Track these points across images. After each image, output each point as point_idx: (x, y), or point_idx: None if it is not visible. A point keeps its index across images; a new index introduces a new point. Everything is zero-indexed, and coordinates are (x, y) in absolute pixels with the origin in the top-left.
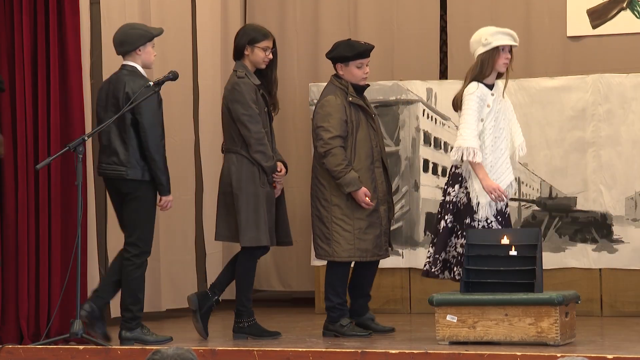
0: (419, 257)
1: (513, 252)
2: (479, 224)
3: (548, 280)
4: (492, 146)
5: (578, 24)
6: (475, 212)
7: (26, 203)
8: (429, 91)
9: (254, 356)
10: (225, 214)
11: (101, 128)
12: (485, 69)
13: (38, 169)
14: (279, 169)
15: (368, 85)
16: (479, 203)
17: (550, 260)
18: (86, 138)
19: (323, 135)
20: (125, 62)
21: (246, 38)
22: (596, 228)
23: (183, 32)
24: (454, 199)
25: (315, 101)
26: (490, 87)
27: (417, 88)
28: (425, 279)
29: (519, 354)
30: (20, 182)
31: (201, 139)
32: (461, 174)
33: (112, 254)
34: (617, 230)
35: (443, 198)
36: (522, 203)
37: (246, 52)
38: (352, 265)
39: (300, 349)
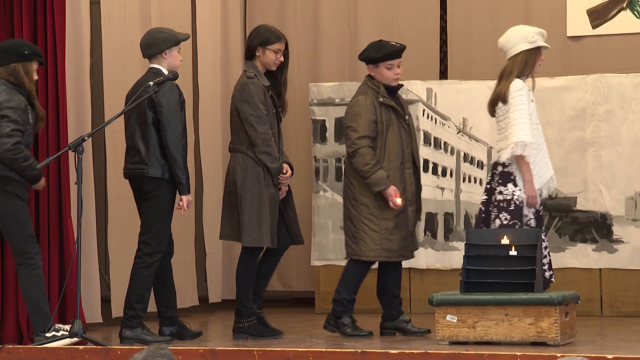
0: (419, 257)
1: (513, 252)
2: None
3: None
4: (534, 142)
5: (578, 24)
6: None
7: None
8: (429, 91)
9: (254, 356)
10: (230, 213)
11: (101, 128)
12: (527, 66)
13: (38, 168)
14: (284, 171)
15: (401, 86)
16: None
17: None
18: (86, 138)
19: (351, 135)
20: (151, 65)
21: (258, 39)
22: (596, 228)
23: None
24: (508, 197)
25: (316, 101)
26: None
27: (417, 88)
28: (425, 278)
29: (519, 354)
30: None
31: (201, 138)
32: (512, 172)
33: (112, 254)
34: (617, 230)
35: (487, 197)
36: None
37: (257, 53)
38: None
39: (300, 349)
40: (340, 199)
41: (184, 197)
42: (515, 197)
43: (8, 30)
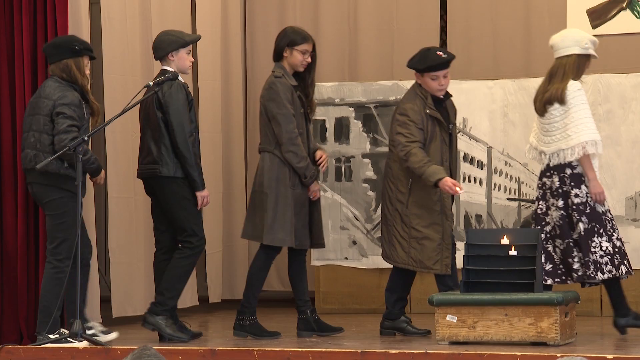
0: None
1: (513, 252)
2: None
3: None
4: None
5: (578, 24)
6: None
7: (26, 203)
8: None
9: (254, 356)
10: (253, 213)
11: (101, 128)
12: (580, 71)
13: (38, 168)
14: (317, 157)
15: (450, 95)
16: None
17: None
18: (86, 138)
19: (401, 140)
20: (162, 67)
21: (286, 40)
22: None
23: None
24: (584, 200)
25: (316, 101)
26: None
27: None
28: (425, 278)
29: (519, 354)
30: (20, 182)
31: (201, 138)
32: (581, 173)
33: (112, 254)
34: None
35: (564, 202)
36: (522, 203)
37: (285, 54)
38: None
39: (300, 349)
40: (340, 199)
41: (198, 194)
42: (589, 199)
43: (8, 30)
